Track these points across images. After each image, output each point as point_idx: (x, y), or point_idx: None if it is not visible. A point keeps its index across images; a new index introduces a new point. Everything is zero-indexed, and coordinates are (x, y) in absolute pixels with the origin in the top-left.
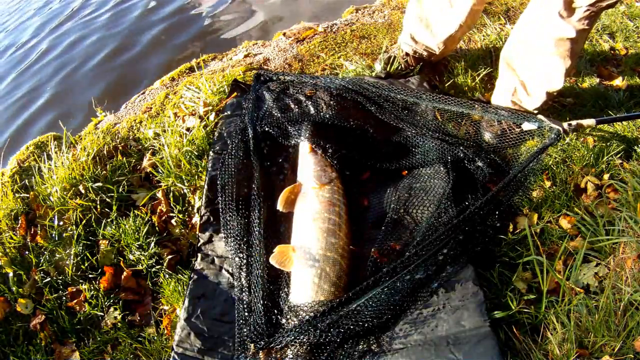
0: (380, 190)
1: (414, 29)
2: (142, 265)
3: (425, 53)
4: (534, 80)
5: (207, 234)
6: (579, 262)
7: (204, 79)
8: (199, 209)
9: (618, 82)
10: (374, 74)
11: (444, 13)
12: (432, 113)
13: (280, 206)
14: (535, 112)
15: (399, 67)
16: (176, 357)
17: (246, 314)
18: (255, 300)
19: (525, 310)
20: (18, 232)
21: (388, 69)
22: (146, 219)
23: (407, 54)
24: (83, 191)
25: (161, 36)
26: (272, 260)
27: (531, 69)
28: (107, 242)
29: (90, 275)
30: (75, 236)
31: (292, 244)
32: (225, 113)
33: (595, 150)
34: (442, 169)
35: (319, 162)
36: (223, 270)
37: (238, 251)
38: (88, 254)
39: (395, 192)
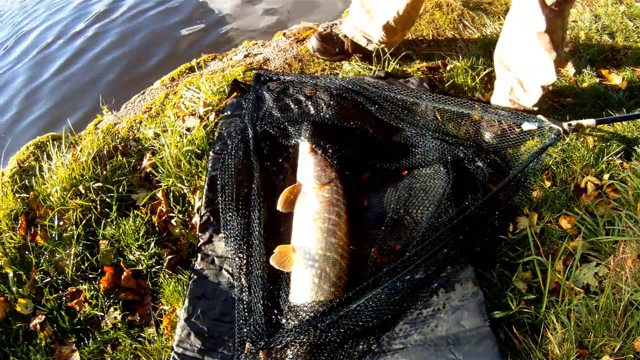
0: (380, 190)
1: (356, 13)
2: (142, 266)
3: (363, 40)
4: (527, 76)
5: (207, 234)
6: (578, 261)
7: (204, 79)
8: (199, 209)
9: (618, 82)
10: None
11: None
12: (432, 113)
13: (280, 206)
14: (535, 111)
15: (336, 44)
16: (176, 357)
17: (246, 314)
18: (255, 300)
19: (525, 310)
20: (18, 232)
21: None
22: (146, 219)
23: (345, 36)
24: (83, 191)
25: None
26: (272, 261)
27: (523, 65)
28: (107, 242)
29: (90, 275)
30: (75, 236)
31: (292, 244)
32: (225, 113)
33: (595, 150)
34: (442, 169)
35: (319, 162)
36: (223, 270)
37: (238, 251)
38: (88, 254)
39: (395, 192)
